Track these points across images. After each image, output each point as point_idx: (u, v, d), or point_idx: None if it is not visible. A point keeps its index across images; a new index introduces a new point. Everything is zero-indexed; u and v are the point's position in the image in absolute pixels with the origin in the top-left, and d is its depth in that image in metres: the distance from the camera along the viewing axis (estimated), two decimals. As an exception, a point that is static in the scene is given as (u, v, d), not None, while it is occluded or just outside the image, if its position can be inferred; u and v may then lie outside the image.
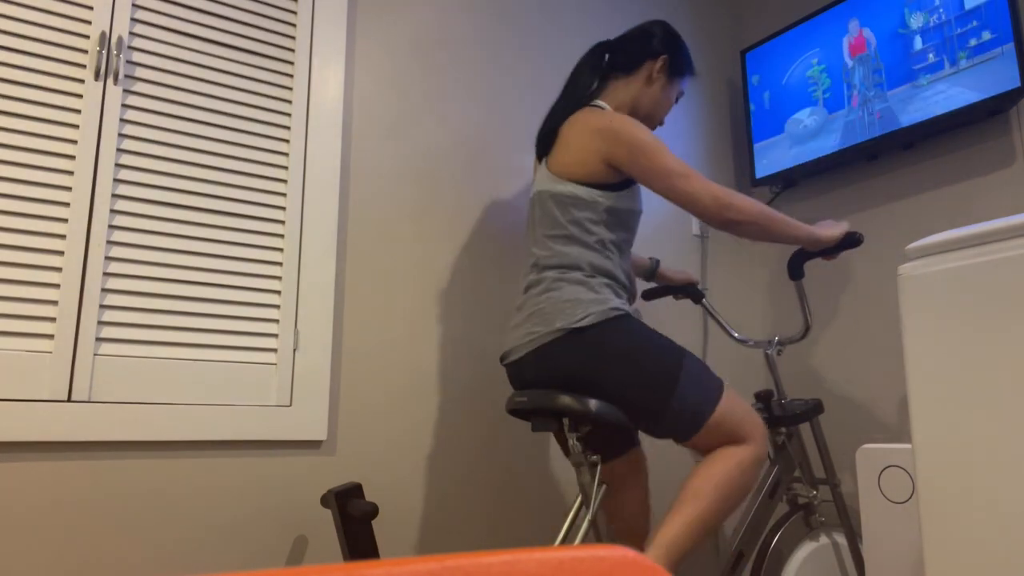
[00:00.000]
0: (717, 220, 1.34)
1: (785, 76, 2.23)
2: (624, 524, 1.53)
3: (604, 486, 1.38)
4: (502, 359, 1.44)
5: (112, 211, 1.36)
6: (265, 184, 1.52)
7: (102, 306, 1.33)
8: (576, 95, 1.50)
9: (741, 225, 1.34)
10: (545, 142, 1.49)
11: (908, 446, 1.44)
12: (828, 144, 2.08)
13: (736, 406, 1.33)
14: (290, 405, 1.48)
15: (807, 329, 1.65)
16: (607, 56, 1.55)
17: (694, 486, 1.26)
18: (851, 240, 1.47)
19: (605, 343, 1.29)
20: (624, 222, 1.42)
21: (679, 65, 1.53)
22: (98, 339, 1.32)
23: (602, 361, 1.29)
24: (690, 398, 1.29)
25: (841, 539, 1.70)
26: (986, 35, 1.74)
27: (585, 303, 1.31)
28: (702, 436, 1.30)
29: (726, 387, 1.35)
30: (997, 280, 0.78)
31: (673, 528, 1.23)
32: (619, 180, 1.40)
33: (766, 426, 1.38)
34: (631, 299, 1.47)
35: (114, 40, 1.39)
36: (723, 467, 1.28)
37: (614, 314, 1.30)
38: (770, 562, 1.59)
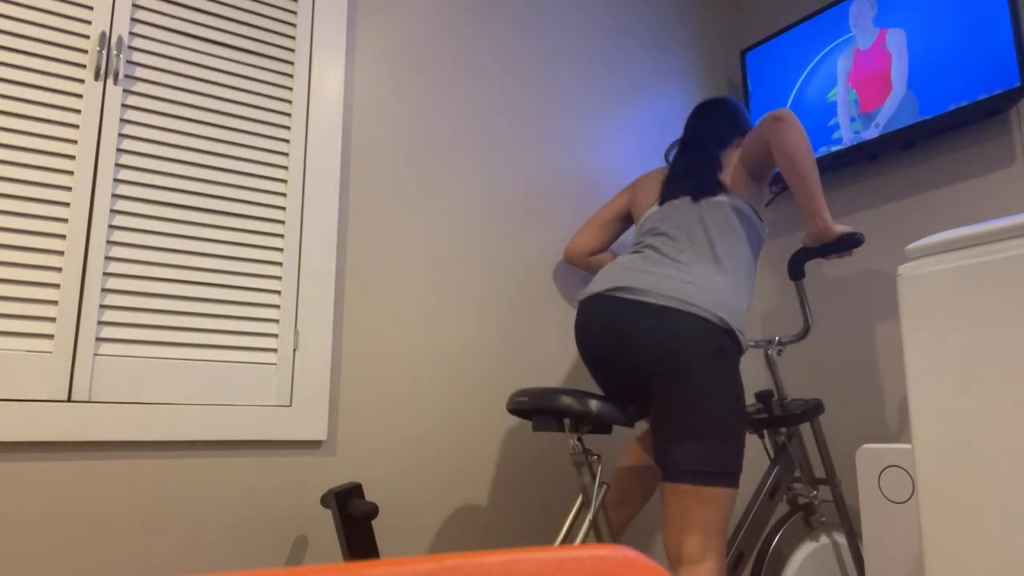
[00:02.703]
0: (766, 116, 1.40)
1: (784, 77, 2.23)
2: (623, 482, 1.55)
3: (605, 486, 1.38)
4: (607, 290, 1.39)
5: (112, 211, 1.36)
6: (265, 184, 1.52)
7: (102, 306, 1.33)
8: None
9: (783, 123, 1.37)
10: None
11: (908, 446, 1.44)
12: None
13: (730, 509, 1.29)
14: (290, 405, 1.48)
15: (807, 329, 1.65)
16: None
17: None
18: (851, 240, 1.47)
19: (724, 358, 1.30)
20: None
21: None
22: (98, 339, 1.32)
23: (712, 368, 1.28)
24: (723, 457, 1.26)
25: (841, 539, 1.70)
26: (990, 35, 1.74)
27: (741, 319, 1.36)
28: (689, 494, 1.26)
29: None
30: (997, 280, 0.78)
31: None
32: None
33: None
34: None
35: (114, 40, 1.39)
36: None
37: (745, 349, 1.37)
38: (770, 562, 1.59)
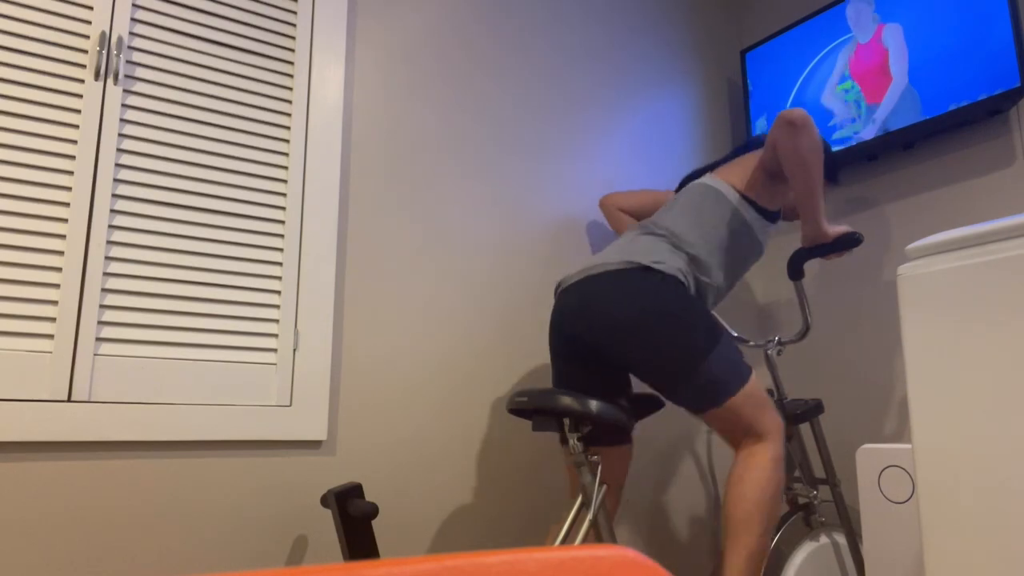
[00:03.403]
0: (779, 117, 1.41)
1: (783, 77, 2.23)
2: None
3: (605, 486, 1.38)
4: (569, 285, 1.47)
5: (112, 211, 1.36)
6: (265, 184, 1.52)
7: (102, 306, 1.33)
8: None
9: (795, 128, 1.37)
10: None
11: (908, 446, 1.44)
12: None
13: (759, 396, 1.36)
14: (290, 405, 1.48)
15: (807, 329, 1.65)
16: None
17: (740, 514, 1.30)
18: (849, 240, 1.47)
19: (657, 295, 1.34)
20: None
21: (826, 168, 1.63)
22: (98, 339, 1.32)
23: (645, 307, 1.33)
24: (717, 371, 1.32)
25: (841, 539, 1.70)
26: (991, 35, 1.74)
27: (671, 264, 1.39)
28: (719, 414, 1.34)
29: (753, 375, 1.37)
30: (997, 280, 0.78)
31: (738, 563, 1.28)
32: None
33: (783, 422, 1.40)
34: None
35: (114, 40, 1.39)
36: (756, 484, 1.31)
37: (678, 275, 1.38)
38: (770, 562, 1.59)
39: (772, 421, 1.36)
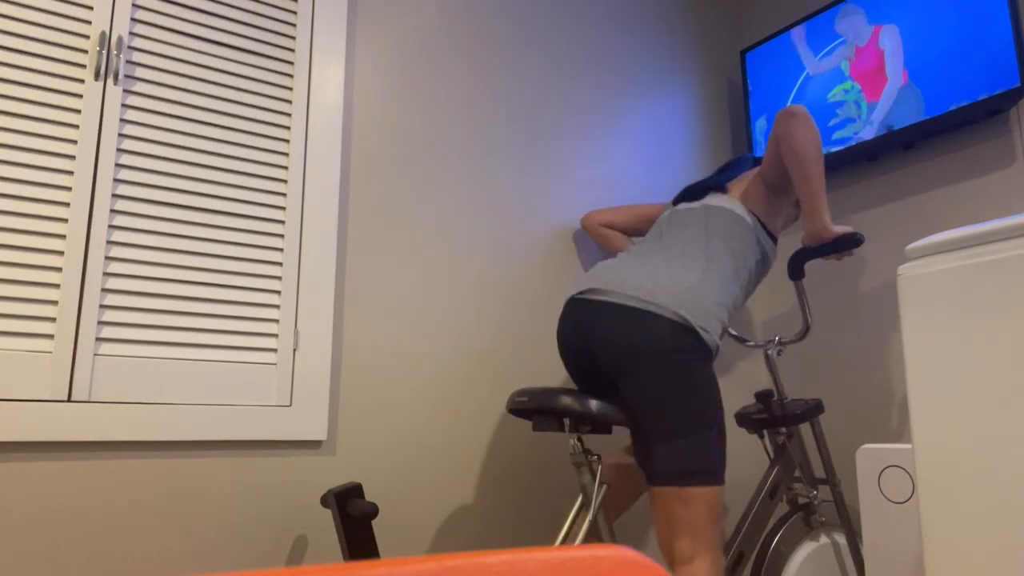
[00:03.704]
0: (780, 112, 1.39)
1: (783, 78, 2.23)
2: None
3: (605, 486, 1.38)
4: (579, 293, 1.42)
5: (112, 211, 1.36)
6: (265, 184, 1.52)
7: (102, 306, 1.33)
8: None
9: (795, 119, 1.35)
10: None
11: (908, 446, 1.44)
12: (827, 146, 2.08)
13: (716, 505, 1.28)
14: (290, 405, 1.48)
15: (807, 329, 1.65)
16: None
17: None
18: (851, 240, 1.47)
19: (685, 355, 1.29)
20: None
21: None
22: (98, 339, 1.32)
23: (672, 366, 1.28)
24: (704, 452, 1.26)
25: (841, 539, 1.70)
26: (991, 35, 1.74)
27: (707, 317, 1.33)
28: (679, 496, 1.26)
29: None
30: (997, 280, 0.78)
31: None
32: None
33: (725, 474, 1.33)
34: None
35: (114, 40, 1.39)
36: None
37: (713, 347, 1.34)
38: (770, 562, 1.59)
39: (714, 538, 1.27)
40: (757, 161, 1.69)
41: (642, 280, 1.36)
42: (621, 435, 1.94)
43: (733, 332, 1.83)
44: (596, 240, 1.88)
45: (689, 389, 1.28)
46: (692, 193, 1.59)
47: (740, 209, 1.48)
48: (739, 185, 1.54)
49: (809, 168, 1.38)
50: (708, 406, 1.29)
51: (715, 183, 1.57)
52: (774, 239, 1.53)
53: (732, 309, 1.42)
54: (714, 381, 1.32)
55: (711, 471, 1.27)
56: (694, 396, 1.28)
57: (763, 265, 1.51)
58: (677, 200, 1.62)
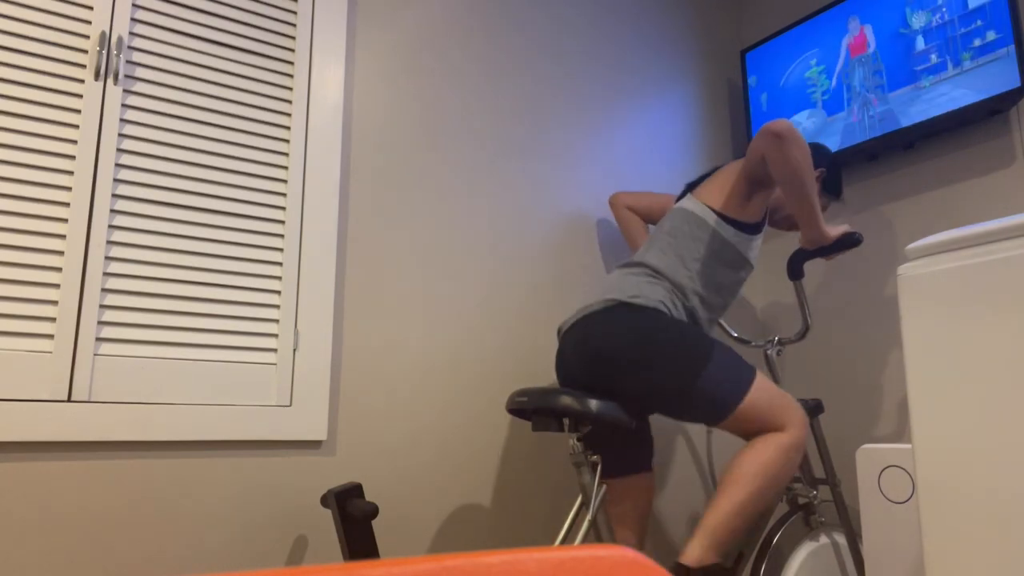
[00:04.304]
0: (765, 130, 1.40)
1: (783, 78, 2.23)
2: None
3: (605, 486, 1.38)
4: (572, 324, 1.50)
5: (112, 211, 1.36)
6: (265, 184, 1.52)
7: (102, 306, 1.33)
8: None
9: (784, 140, 1.37)
10: None
11: (908, 446, 1.44)
12: (828, 145, 2.07)
13: (770, 394, 1.36)
14: (290, 405, 1.48)
15: (807, 329, 1.65)
16: None
17: (736, 471, 1.31)
18: (850, 240, 1.47)
19: (647, 325, 1.36)
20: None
21: (832, 183, 1.66)
22: (98, 339, 1.32)
23: (631, 340, 1.35)
24: (716, 383, 1.32)
25: (841, 539, 1.70)
26: (991, 35, 1.74)
27: (644, 288, 1.43)
28: (734, 422, 1.35)
29: (758, 376, 1.37)
30: (997, 280, 0.78)
31: (719, 513, 1.28)
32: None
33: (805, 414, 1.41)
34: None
35: (114, 40, 1.39)
36: (763, 452, 1.32)
37: (655, 305, 1.40)
38: (770, 562, 1.59)
39: (791, 415, 1.37)
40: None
41: (596, 296, 1.48)
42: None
43: (734, 333, 1.83)
44: (616, 219, 1.95)
45: (660, 344, 1.33)
46: (689, 187, 1.66)
47: (699, 208, 1.52)
48: (710, 185, 1.57)
49: (805, 188, 1.40)
50: (685, 342, 1.34)
51: (694, 183, 1.65)
52: (755, 228, 1.52)
53: (690, 293, 1.46)
54: (669, 321, 1.37)
55: (739, 382, 1.34)
56: (669, 346, 1.33)
57: (729, 256, 1.50)
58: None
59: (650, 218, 1.90)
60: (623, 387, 1.36)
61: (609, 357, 1.36)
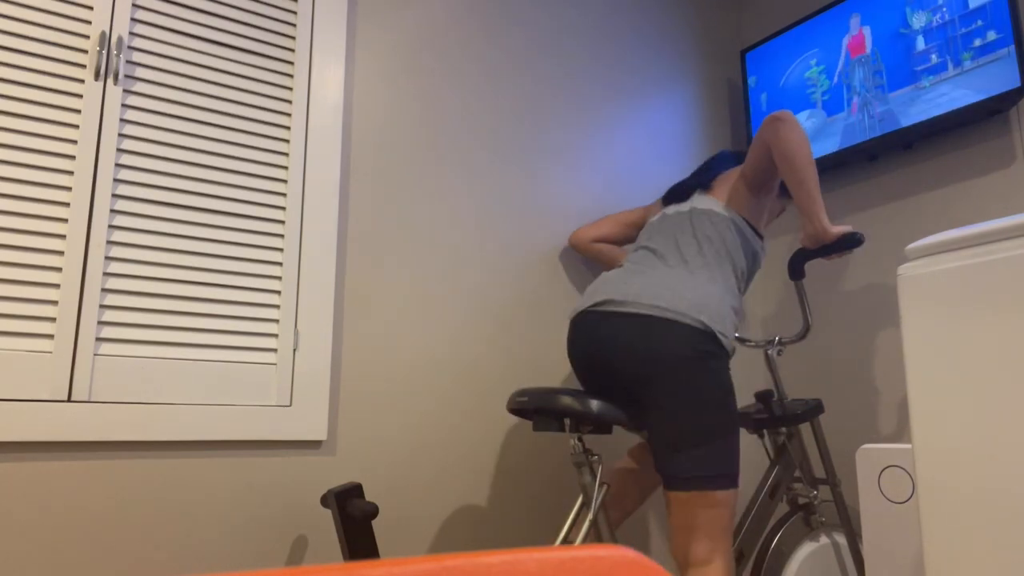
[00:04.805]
0: (766, 118, 1.38)
1: (783, 78, 2.23)
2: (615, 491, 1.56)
3: (605, 486, 1.38)
4: (592, 306, 1.42)
5: (112, 211, 1.36)
6: (265, 184, 1.52)
7: (102, 306, 1.33)
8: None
9: (784, 123, 1.35)
10: None
11: (908, 446, 1.44)
12: (827, 146, 2.08)
13: (734, 508, 1.31)
14: (290, 405, 1.48)
15: (807, 329, 1.65)
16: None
17: None
18: (851, 240, 1.47)
19: (708, 361, 1.30)
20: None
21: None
22: (98, 339, 1.32)
23: (696, 372, 1.29)
24: (720, 459, 1.28)
25: (841, 539, 1.70)
26: (992, 35, 1.73)
27: (723, 321, 1.35)
28: (692, 500, 1.27)
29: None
30: (997, 280, 0.78)
31: None
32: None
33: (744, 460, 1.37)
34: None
35: (114, 40, 1.39)
36: None
37: (731, 349, 1.37)
38: (770, 562, 1.59)
39: (730, 541, 1.30)
40: (737, 155, 1.69)
41: (658, 288, 1.36)
42: (622, 435, 1.94)
43: (737, 335, 1.83)
44: (590, 257, 1.87)
45: (715, 394, 1.29)
46: (678, 194, 1.59)
47: (725, 211, 1.48)
48: (723, 185, 1.54)
49: (803, 171, 1.38)
50: (730, 410, 1.31)
51: (699, 183, 1.58)
52: (761, 236, 1.54)
53: (740, 311, 1.44)
54: (732, 384, 1.34)
55: (732, 474, 1.29)
56: (719, 400, 1.29)
57: (754, 264, 1.52)
58: (665, 201, 1.61)
59: (625, 239, 1.83)
60: (654, 398, 1.30)
61: (652, 372, 1.29)
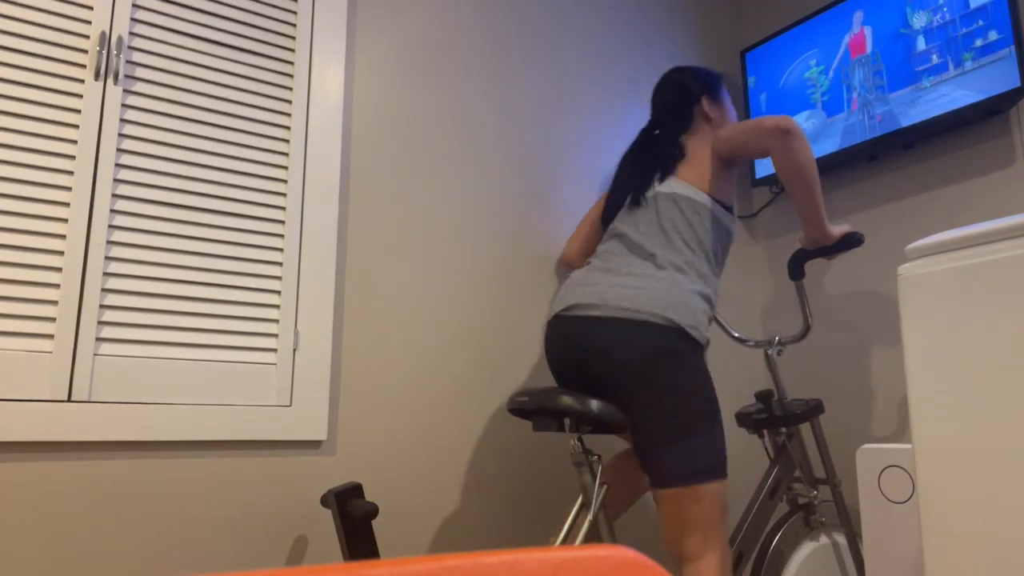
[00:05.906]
0: (773, 126, 1.37)
1: (783, 78, 2.23)
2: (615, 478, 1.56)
3: (605, 486, 1.38)
4: (563, 310, 1.42)
5: (112, 211, 1.36)
6: (265, 184, 1.52)
7: (102, 306, 1.33)
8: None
9: (792, 137, 1.35)
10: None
11: (908, 446, 1.44)
12: (827, 146, 2.08)
13: (724, 499, 1.31)
14: (290, 405, 1.48)
15: (807, 329, 1.65)
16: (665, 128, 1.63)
17: None
18: (851, 240, 1.47)
19: (680, 357, 1.31)
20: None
21: (715, 89, 1.63)
22: (98, 339, 1.32)
23: (669, 369, 1.30)
24: (703, 452, 1.28)
25: (841, 539, 1.70)
26: (993, 35, 1.73)
27: (694, 314, 1.35)
28: (681, 496, 1.28)
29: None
30: (997, 280, 0.78)
31: None
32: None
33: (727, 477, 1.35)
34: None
35: (114, 40, 1.39)
36: None
37: (704, 341, 1.36)
38: (770, 562, 1.59)
39: (723, 533, 1.30)
40: (677, 120, 1.61)
41: (622, 289, 1.37)
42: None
43: (734, 333, 1.83)
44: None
45: (689, 388, 1.30)
46: (637, 182, 1.55)
47: (694, 193, 1.46)
48: (690, 167, 1.50)
49: (811, 186, 1.40)
50: (708, 402, 1.32)
51: (662, 166, 1.53)
52: (732, 210, 1.52)
53: (714, 296, 1.44)
54: (708, 375, 1.35)
55: (718, 465, 1.30)
56: (695, 395, 1.30)
57: (728, 240, 1.51)
58: (620, 191, 1.58)
59: (600, 239, 1.78)
60: (631, 398, 1.31)
61: (624, 374, 1.31)
